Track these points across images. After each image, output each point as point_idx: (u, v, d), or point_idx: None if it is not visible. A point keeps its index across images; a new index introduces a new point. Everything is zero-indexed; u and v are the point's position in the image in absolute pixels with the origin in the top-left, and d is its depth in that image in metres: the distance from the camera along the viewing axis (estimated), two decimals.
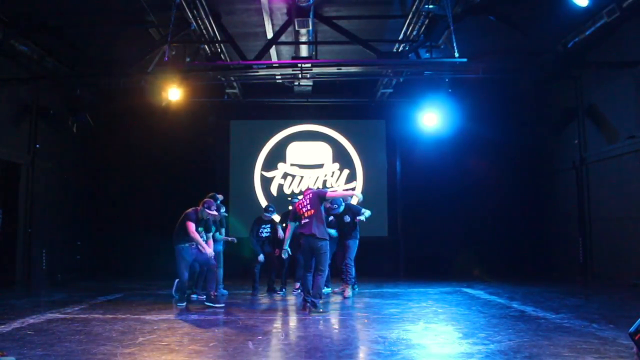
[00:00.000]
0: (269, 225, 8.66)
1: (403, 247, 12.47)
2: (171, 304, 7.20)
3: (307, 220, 6.57)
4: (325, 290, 7.83)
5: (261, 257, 8.42)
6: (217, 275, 7.63)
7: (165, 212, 11.92)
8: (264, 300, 7.87)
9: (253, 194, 12.34)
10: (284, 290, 8.55)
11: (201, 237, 7.15)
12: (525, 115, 12.19)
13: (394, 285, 9.76)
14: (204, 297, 7.34)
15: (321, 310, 6.36)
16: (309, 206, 6.61)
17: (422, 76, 10.07)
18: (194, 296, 7.72)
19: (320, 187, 12.27)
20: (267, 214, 8.58)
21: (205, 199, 7.30)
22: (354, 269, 8.10)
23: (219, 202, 7.84)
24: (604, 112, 9.55)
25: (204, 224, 7.25)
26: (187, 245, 7.05)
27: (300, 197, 7.08)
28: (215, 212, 7.30)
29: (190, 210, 7.18)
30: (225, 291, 8.23)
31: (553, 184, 11.60)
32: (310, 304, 6.43)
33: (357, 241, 8.22)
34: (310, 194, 6.75)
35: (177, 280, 7.31)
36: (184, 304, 7.00)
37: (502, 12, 8.23)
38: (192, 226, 6.94)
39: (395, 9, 8.53)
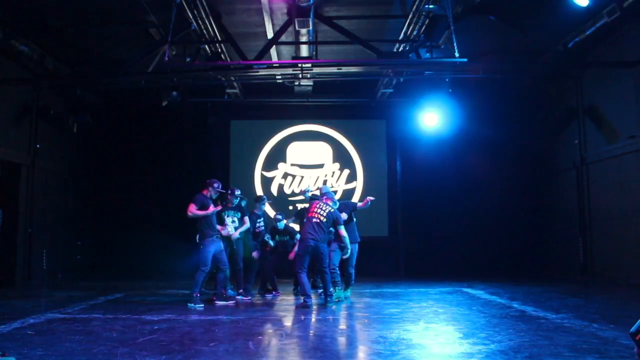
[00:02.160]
0: (262, 219, 8.40)
1: (403, 247, 12.47)
2: (172, 303, 7.19)
3: (317, 220, 6.93)
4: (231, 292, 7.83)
5: (255, 254, 8.17)
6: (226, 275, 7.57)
7: (165, 212, 11.98)
8: (264, 300, 7.86)
9: (253, 194, 12.29)
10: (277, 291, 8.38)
11: (227, 224, 7.46)
12: (526, 115, 12.19)
13: (394, 285, 9.76)
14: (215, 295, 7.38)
15: (336, 299, 7.15)
16: (324, 213, 7.00)
17: (422, 76, 10.08)
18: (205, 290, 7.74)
19: (321, 186, 12.27)
20: (261, 205, 8.41)
21: (208, 181, 7.38)
22: (328, 275, 7.48)
23: (238, 193, 7.82)
24: (604, 112, 9.55)
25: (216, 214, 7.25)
26: (210, 238, 7.02)
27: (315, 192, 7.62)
28: (221, 191, 7.41)
29: (197, 194, 7.15)
30: (232, 292, 8.16)
31: (553, 184, 11.60)
32: (327, 299, 6.94)
33: (299, 245, 7.46)
34: (332, 212, 7.07)
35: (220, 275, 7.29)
36: (202, 306, 6.86)
37: (502, 11, 8.23)
38: (192, 207, 6.93)
39: (396, 9, 8.53)
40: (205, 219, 7.03)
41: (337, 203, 7.66)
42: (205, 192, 7.19)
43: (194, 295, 6.90)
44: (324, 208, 7.06)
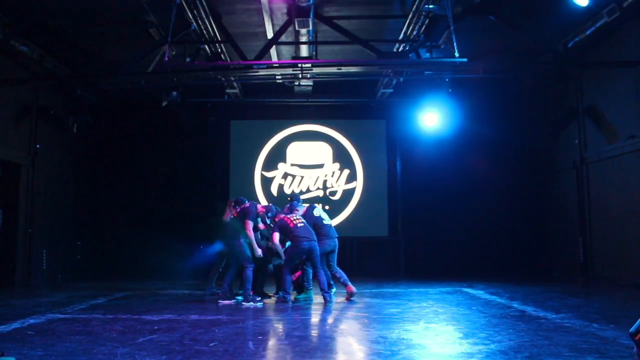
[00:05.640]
0: None
1: (403, 247, 12.47)
2: (172, 303, 7.19)
3: (302, 225, 7.23)
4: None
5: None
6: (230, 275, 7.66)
7: (165, 212, 11.99)
8: (263, 301, 7.84)
9: (253, 194, 12.33)
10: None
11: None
12: (525, 115, 12.18)
13: (394, 285, 9.76)
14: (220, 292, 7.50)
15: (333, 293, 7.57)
16: (300, 219, 7.37)
17: (422, 76, 10.07)
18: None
19: (321, 187, 12.39)
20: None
21: (269, 205, 7.84)
22: (323, 275, 7.51)
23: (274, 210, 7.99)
24: (604, 112, 9.55)
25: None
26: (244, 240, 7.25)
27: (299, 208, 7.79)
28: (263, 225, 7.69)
29: (251, 207, 7.31)
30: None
31: (553, 184, 11.60)
32: (326, 296, 7.18)
33: (292, 248, 7.40)
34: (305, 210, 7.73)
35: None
36: (261, 302, 7.14)
37: (502, 12, 8.23)
38: (250, 225, 7.14)
39: (396, 8, 8.53)
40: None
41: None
42: (261, 211, 7.47)
43: (249, 293, 7.06)
44: (297, 218, 7.38)
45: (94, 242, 12.03)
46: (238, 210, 7.41)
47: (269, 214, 7.76)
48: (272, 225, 7.70)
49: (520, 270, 11.48)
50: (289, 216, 7.40)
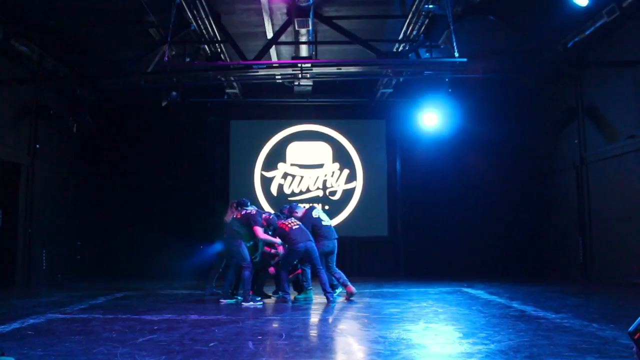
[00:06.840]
0: None
1: (403, 247, 12.47)
2: (172, 303, 7.19)
3: (297, 227, 7.25)
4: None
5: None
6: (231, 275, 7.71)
7: (165, 212, 11.99)
8: (263, 301, 7.84)
9: (253, 194, 12.33)
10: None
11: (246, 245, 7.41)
12: (525, 115, 12.19)
13: (394, 285, 9.76)
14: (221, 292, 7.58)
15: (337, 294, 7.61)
16: (296, 222, 7.41)
17: (422, 76, 10.08)
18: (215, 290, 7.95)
19: (320, 187, 12.39)
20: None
21: (272, 218, 7.75)
22: (324, 275, 7.57)
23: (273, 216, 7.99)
24: (604, 112, 9.55)
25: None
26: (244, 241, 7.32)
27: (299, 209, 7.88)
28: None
29: (257, 215, 7.33)
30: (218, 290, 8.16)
31: (553, 183, 11.60)
32: (329, 296, 7.21)
33: (287, 250, 7.45)
34: (305, 212, 7.83)
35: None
36: (261, 302, 7.15)
37: (502, 12, 8.23)
38: (259, 230, 7.16)
39: (395, 8, 8.53)
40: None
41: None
42: (264, 223, 7.45)
43: (248, 294, 7.09)
44: (292, 221, 7.42)
45: (94, 242, 12.03)
46: (243, 213, 7.39)
47: (270, 227, 7.72)
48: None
49: (520, 270, 11.48)
50: (284, 222, 7.46)
